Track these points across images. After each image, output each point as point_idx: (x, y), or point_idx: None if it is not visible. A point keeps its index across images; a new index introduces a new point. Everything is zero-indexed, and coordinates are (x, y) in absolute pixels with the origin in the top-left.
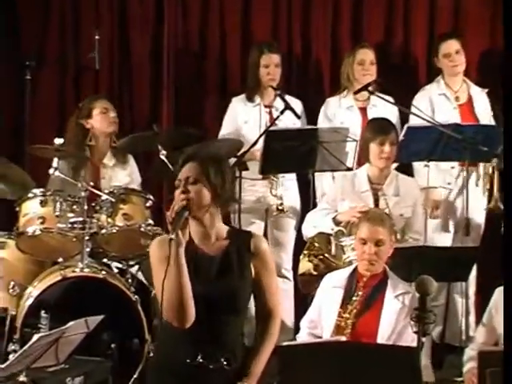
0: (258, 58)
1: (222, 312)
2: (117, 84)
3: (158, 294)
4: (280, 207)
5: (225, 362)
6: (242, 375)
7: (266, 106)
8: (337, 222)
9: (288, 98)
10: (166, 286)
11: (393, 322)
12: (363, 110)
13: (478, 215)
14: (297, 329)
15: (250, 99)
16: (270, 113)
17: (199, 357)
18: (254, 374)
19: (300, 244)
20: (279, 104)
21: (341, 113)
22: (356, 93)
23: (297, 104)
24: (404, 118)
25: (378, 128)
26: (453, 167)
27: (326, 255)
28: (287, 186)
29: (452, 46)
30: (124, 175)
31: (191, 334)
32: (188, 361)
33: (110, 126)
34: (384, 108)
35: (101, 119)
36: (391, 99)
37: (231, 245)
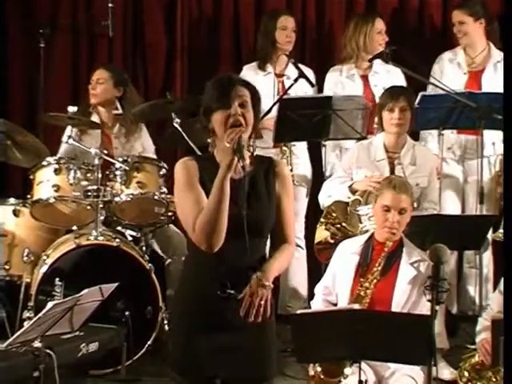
0: (275, 21)
1: (249, 234)
2: (130, 52)
3: (185, 217)
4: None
5: None
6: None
7: (277, 75)
8: (353, 191)
9: (300, 66)
10: (200, 209)
11: (408, 290)
12: (365, 78)
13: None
14: (310, 297)
15: (262, 68)
16: (282, 82)
17: (228, 289)
18: (268, 269)
19: (316, 212)
20: (290, 72)
21: (343, 81)
22: (371, 60)
23: (309, 72)
24: (420, 86)
25: (388, 95)
26: (452, 133)
27: (344, 224)
28: (298, 155)
29: (456, 16)
30: (136, 144)
31: (217, 260)
32: (218, 293)
33: (92, 97)
34: (387, 75)
35: (90, 90)
36: (396, 67)
37: (256, 169)
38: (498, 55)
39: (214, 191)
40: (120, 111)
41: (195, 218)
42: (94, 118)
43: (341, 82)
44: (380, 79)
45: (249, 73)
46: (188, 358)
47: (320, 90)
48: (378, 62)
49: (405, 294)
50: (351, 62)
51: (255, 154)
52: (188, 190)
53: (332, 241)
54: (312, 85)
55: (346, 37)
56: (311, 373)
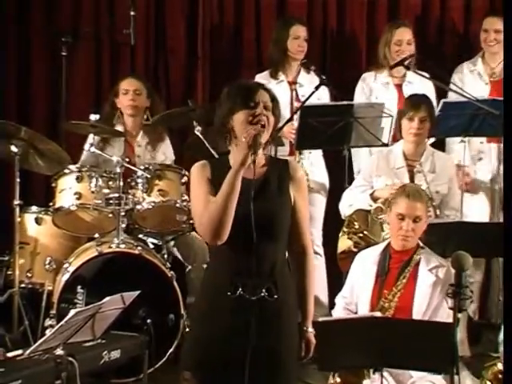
0: (288, 29)
1: (260, 236)
2: (152, 60)
3: (194, 211)
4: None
5: (266, 293)
6: (287, 306)
7: (289, 83)
8: (374, 199)
9: (312, 74)
10: (209, 203)
11: (428, 296)
12: (399, 87)
13: None
14: (331, 304)
15: (274, 76)
16: (295, 89)
17: (239, 289)
18: (309, 313)
19: (335, 221)
20: (303, 80)
21: (377, 89)
22: (392, 68)
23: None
24: (443, 94)
25: (409, 104)
26: (481, 142)
27: (366, 232)
28: (314, 162)
29: (492, 23)
30: (158, 153)
31: (230, 261)
32: (229, 293)
33: (127, 108)
34: (420, 84)
35: (122, 100)
36: (426, 75)
37: (271, 171)
38: None
39: (224, 185)
40: (149, 121)
41: (202, 211)
42: (118, 127)
43: (374, 89)
44: (413, 88)
45: (261, 82)
46: (203, 360)
47: (347, 95)
48: (412, 72)
49: (425, 301)
50: (384, 70)
51: (270, 156)
52: (198, 186)
53: (355, 250)
54: (333, 92)
55: (379, 44)
56: (331, 382)
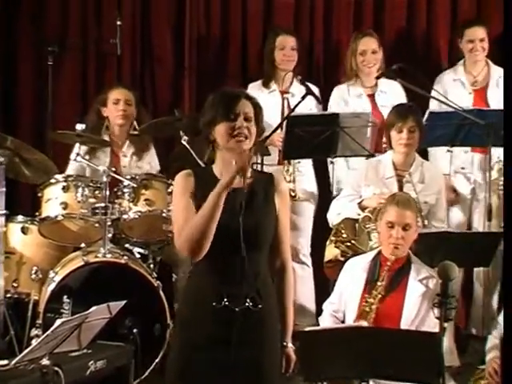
0: (274, 40)
1: (245, 245)
2: (139, 69)
3: (174, 223)
4: (292, 193)
5: (250, 303)
6: (270, 316)
7: (281, 92)
8: (362, 208)
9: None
10: (190, 220)
11: (416, 306)
12: (371, 97)
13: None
14: (318, 313)
15: (266, 85)
16: (287, 99)
17: (224, 299)
18: (288, 328)
19: (322, 230)
20: (295, 90)
21: (351, 101)
22: (378, 78)
23: (315, 90)
24: (422, 104)
25: (396, 114)
26: (466, 152)
27: (353, 241)
28: (303, 171)
29: (477, 33)
30: (144, 163)
31: (215, 271)
32: (214, 304)
33: (117, 118)
34: (393, 93)
35: (112, 109)
36: (398, 85)
37: (256, 182)
38: (497, 71)
39: (207, 203)
40: (136, 131)
41: (182, 224)
42: (104, 136)
43: (347, 101)
44: (386, 98)
45: (254, 91)
46: (185, 370)
47: (326, 107)
48: (383, 81)
49: (414, 311)
50: (354, 81)
51: (255, 169)
52: (180, 199)
53: (342, 258)
54: (319, 101)
55: (347, 55)
56: None
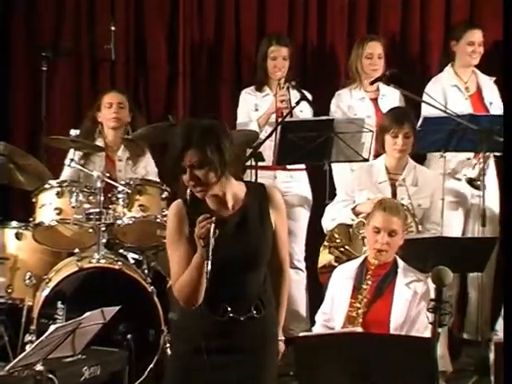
0: (266, 50)
1: (244, 270)
2: (133, 75)
3: (170, 264)
4: None
5: (254, 311)
6: (271, 320)
7: (275, 97)
8: (356, 213)
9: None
10: (185, 265)
11: (405, 311)
12: (374, 101)
13: (495, 206)
14: (311, 320)
15: (260, 90)
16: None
17: (228, 312)
18: (281, 321)
19: (316, 235)
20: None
21: (354, 105)
22: (372, 83)
23: (308, 95)
24: (416, 108)
25: (391, 119)
26: (469, 158)
27: (347, 247)
28: (297, 177)
29: (477, 35)
30: (139, 168)
31: (215, 296)
32: (218, 318)
33: (110, 121)
34: (392, 96)
35: (105, 113)
36: (396, 89)
37: (251, 200)
38: (483, 77)
39: (191, 267)
40: (130, 136)
41: (176, 276)
42: (99, 141)
43: (352, 106)
44: (389, 102)
45: (247, 96)
46: (185, 380)
47: (321, 112)
48: (383, 86)
49: (402, 315)
50: (356, 86)
51: (248, 183)
52: (175, 243)
53: (336, 264)
54: (313, 107)
55: (349, 60)
56: None
